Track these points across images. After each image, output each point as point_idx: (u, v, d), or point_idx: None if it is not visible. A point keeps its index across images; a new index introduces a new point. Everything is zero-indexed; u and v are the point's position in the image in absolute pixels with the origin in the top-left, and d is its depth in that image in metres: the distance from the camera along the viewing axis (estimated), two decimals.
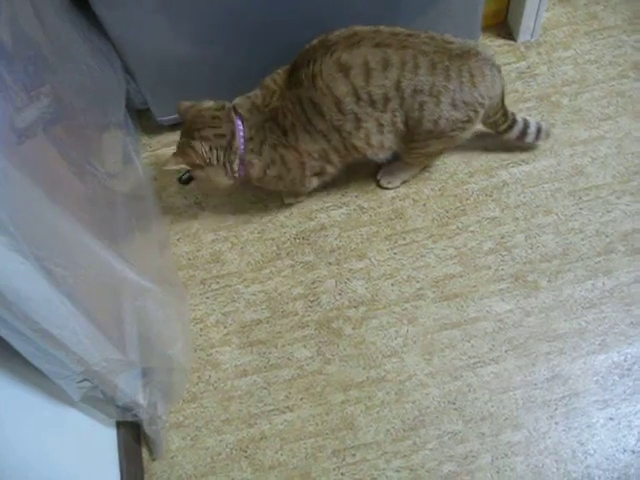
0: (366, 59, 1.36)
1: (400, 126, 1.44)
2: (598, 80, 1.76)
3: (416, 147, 1.51)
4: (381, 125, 1.44)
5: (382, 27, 1.41)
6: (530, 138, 1.62)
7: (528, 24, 1.78)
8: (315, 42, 1.42)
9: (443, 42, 1.40)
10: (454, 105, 1.40)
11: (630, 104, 1.72)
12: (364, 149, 1.48)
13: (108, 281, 1.05)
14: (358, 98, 1.38)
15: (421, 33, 1.40)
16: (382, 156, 1.52)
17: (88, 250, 0.96)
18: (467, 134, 1.50)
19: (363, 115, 1.41)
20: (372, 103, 1.39)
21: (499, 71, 1.44)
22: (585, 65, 1.78)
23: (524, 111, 1.73)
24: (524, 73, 1.79)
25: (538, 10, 1.74)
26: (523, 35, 1.81)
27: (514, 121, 1.58)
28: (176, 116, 1.74)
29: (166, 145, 1.80)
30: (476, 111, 1.44)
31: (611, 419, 1.39)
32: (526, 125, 1.60)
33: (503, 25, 1.86)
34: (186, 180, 1.60)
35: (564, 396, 1.42)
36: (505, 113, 1.54)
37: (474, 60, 1.40)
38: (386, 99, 1.39)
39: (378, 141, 1.47)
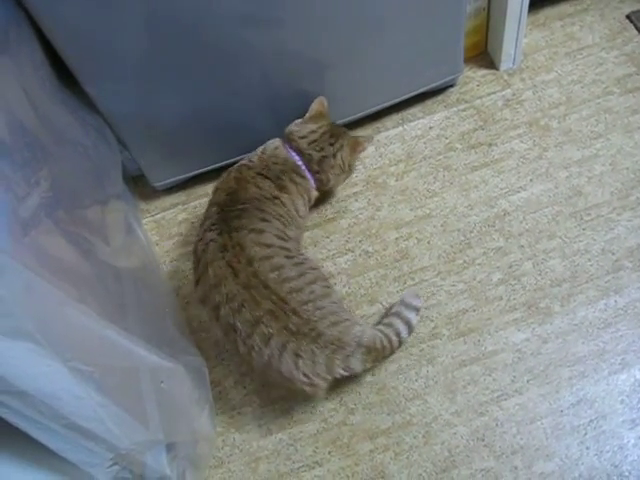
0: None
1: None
2: (584, 99, 1.78)
3: None
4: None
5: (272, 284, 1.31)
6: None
7: (508, 52, 1.80)
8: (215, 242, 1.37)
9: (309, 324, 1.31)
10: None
11: (618, 119, 1.74)
12: None
13: (130, 366, 1.05)
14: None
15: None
16: None
17: (109, 341, 0.96)
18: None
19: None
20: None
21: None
22: (569, 86, 1.81)
23: (515, 138, 1.74)
24: (510, 100, 1.81)
25: (517, 37, 1.76)
26: (505, 63, 1.84)
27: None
28: (171, 180, 1.76)
29: (164, 209, 1.80)
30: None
31: None
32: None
33: (484, 55, 1.88)
34: None
35: (592, 420, 1.41)
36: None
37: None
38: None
39: None
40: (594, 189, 1.65)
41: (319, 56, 1.56)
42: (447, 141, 1.78)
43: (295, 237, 1.48)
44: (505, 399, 1.45)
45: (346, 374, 1.34)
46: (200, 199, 1.80)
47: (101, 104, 1.48)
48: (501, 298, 1.56)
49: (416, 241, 1.65)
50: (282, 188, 1.49)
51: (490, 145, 1.75)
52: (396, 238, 1.66)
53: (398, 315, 1.47)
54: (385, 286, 1.61)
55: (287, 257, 1.37)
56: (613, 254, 1.57)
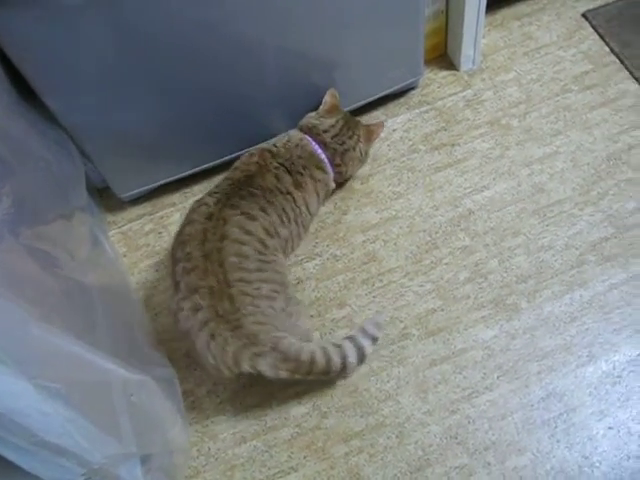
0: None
1: None
2: (543, 97, 1.81)
3: None
4: None
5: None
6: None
7: (468, 53, 1.82)
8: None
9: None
10: None
11: (577, 116, 1.77)
12: None
13: (98, 380, 1.04)
14: None
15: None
16: None
17: (76, 357, 0.95)
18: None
19: None
20: None
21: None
22: (529, 85, 1.83)
23: (477, 138, 1.76)
24: (471, 101, 1.83)
25: (476, 38, 1.78)
26: (465, 64, 1.86)
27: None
28: (137, 191, 1.75)
29: (131, 220, 1.79)
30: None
31: (610, 428, 1.40)
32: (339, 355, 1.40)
33: (444, 57, 1.90)
34: None
35: (561, 413, 1.43)
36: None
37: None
38: None
39: None
40: (556, 186, 1.68)
41: (279, 62, 1.56)
42: (410, 143, 1.80)
43: (285, 237, 1.49)
44: (476, 396, 1.47)
45: (252, 372, 1.33)
46: (166, 209, 1.79)
47: (62, 117, 1.47)
48: (469, 296, 1.57)
49: (383, 243, 1.66)
50: (299, 185, 1.53)
51: (453, 145, 1.77)
52: (363, 241, 1.67)
53: (352, 339, 1.43)
54: (354, 289, 1.62)
55: (257, 251, 1.39)
56: (576, 249, 1.60)
